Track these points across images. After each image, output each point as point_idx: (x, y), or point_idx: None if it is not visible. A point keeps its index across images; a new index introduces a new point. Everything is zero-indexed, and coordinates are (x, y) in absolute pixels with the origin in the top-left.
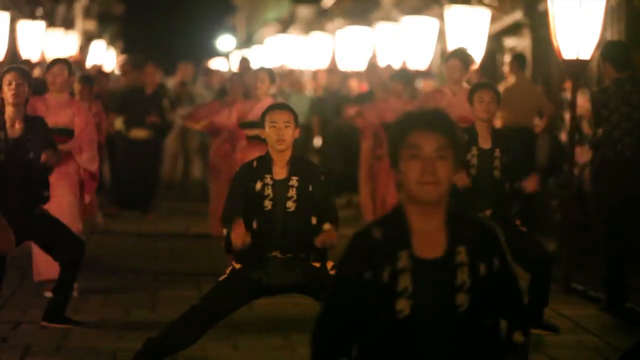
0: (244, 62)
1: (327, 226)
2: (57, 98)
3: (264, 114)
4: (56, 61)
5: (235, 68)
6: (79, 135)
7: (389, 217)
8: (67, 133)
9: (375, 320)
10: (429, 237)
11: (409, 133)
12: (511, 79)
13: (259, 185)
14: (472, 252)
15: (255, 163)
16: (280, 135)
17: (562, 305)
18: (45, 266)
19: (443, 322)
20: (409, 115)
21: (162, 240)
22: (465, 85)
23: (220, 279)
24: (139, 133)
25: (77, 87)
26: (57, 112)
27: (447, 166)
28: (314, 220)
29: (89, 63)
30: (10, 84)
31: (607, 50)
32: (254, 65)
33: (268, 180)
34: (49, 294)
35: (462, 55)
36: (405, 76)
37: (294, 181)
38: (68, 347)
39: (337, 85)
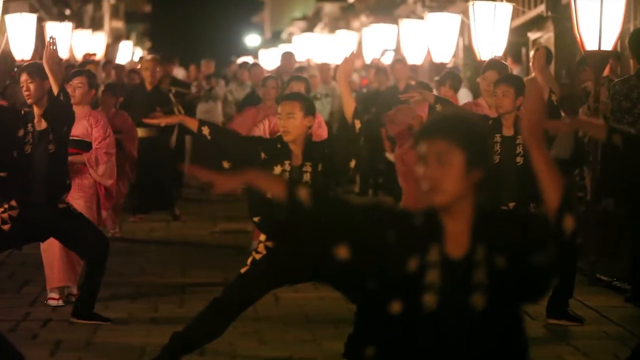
0: (288, 56)
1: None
2: (76, 110)
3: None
4: (77, 73)
5: (270, 64)
6: (96, 148)
7: (425, 212)
8: (81, 145)
9: (398, 314)
10: (456, 237)
11: (423, 139)
12: (534, 74)
13: (278, 169)
14: (491, 248)
15: (279, 145)
16: (285, 127)
17: (587, 296)
18: (57, 274)
19: (463, 321)
20: (430, 121)
21: (189, 236)
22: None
23: (242, 270)
24: (140, 132)
25: (101, 96)
26: (74, 123)
27: (451, 171)
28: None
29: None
30: (22, 85)
31: (629, 41)
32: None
33: (287, 166)
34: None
35: (498, 67)
36: (458, 81)
37: (307, 167)
38: (97, 343)
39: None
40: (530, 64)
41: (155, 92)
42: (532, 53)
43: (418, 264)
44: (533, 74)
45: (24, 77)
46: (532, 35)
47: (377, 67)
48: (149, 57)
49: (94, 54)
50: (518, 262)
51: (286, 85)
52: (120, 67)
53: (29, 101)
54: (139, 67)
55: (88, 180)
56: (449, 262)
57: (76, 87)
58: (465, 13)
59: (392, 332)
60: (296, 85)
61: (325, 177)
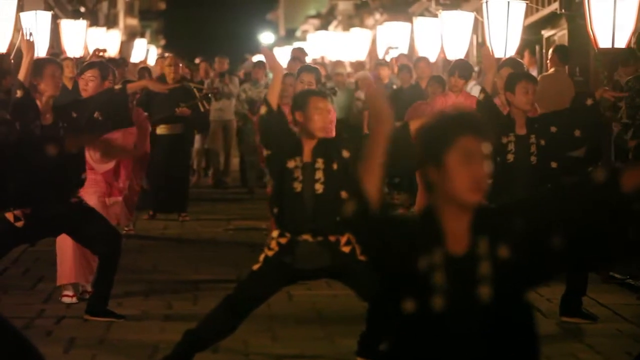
0: (299, 52)
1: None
2: None
3: (302, 99)
4: (89, 66)
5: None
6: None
7: (423, 216)
8: None
9: (408, 314)
10: (458, 234)
11: (459, 136)
12: (550, 71)
13: (291, 164)
14: (492, 239)
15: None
16: (327, 121)
17: (600, 294)
18: (68, 271)
19: (472, 316)
20: (456, 116)
21: (202, 233)
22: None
23: (254, 267)
24: (162, 129)
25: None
26: None
27: (489, 172)
28: (343, 195)
29: (132, 60)
30: (55, 76)
31: (638, 38)
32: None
33: (299, 162)
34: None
35: (514, 64)
36: (467, 70)
37: (319, 163)
38: (111, 340)
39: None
40: (547, 61)
41: (177, 87)
42: (550, 51)
43: (424, 266)
44: (550, 71)
45: (56, 70)
46: (546, 33)
47: (400, 65)
48: (169, 54)
49: (104, 50)
50: (523, 248)
51: (296, 77)
52: (118, 64)
53: (53, 94)
54: (152, 64)
55: (100, 174)
56: (453, 260)
57: (88, 80)
58: (479, 11)
59: (405, 331)
60: (306, 76)
61: (343, 177)
